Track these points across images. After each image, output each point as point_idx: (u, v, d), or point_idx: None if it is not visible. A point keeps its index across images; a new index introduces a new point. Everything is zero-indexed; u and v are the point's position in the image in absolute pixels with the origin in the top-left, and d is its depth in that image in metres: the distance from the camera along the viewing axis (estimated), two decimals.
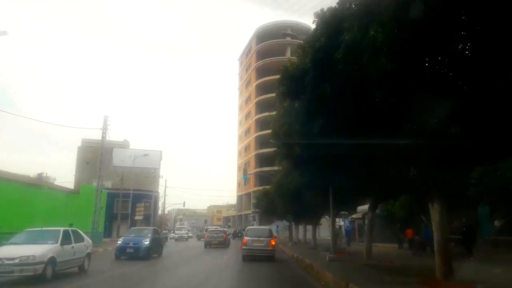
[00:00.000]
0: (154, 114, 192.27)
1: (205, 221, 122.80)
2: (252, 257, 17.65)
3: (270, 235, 18.60)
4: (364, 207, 30.15)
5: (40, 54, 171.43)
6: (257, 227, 27.98)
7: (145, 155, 50.51)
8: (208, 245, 30.46)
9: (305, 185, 16.84)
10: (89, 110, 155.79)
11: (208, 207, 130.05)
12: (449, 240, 10.12)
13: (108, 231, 44.74)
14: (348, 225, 35.91)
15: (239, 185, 78.33)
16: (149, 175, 50.27)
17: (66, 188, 32.75)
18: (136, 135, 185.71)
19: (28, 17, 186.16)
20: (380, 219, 28.30)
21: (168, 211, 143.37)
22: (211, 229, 38.41)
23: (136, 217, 44.78)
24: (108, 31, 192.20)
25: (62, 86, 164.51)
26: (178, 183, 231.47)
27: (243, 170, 32.33)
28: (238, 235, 46.09)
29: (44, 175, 35.51)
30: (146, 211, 54.30)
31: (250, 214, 68.47)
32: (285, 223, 47.69)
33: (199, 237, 51.61)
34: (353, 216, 34.39)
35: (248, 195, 69.79)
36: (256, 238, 18.09)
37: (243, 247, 18.26)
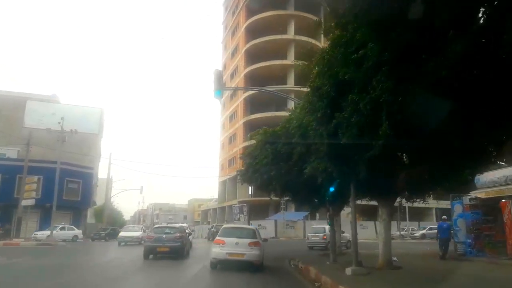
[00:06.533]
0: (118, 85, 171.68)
1: (185, 217, 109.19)
2: None
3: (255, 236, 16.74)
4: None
5: None
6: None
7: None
8: (151, 253, 16.40)
9: None
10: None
11: (188, 201, 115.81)
12: None
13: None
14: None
15: (222, 167, 60.04)
16: (62, 132, 29.41)
17: None
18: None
19: None
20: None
21: (147, 206, 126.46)
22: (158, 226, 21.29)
23: (23, 202, 25.07)
24: None
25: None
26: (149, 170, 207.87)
27: (215, 75, 13.70)
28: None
29: None
30: (73, 196, 35.90)
31: (236, 204, 50.35)
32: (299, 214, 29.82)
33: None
34: (474, 194, 15.69)
35: (233, 179, 50.42)
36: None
37: None
